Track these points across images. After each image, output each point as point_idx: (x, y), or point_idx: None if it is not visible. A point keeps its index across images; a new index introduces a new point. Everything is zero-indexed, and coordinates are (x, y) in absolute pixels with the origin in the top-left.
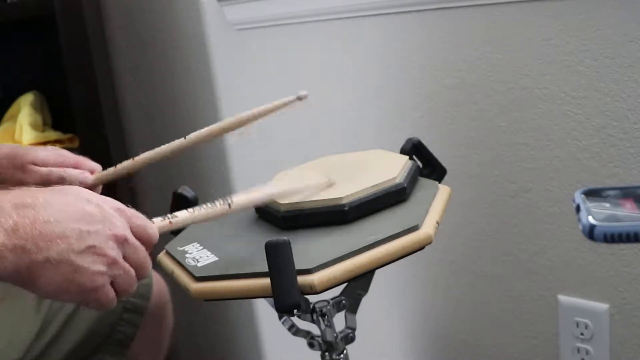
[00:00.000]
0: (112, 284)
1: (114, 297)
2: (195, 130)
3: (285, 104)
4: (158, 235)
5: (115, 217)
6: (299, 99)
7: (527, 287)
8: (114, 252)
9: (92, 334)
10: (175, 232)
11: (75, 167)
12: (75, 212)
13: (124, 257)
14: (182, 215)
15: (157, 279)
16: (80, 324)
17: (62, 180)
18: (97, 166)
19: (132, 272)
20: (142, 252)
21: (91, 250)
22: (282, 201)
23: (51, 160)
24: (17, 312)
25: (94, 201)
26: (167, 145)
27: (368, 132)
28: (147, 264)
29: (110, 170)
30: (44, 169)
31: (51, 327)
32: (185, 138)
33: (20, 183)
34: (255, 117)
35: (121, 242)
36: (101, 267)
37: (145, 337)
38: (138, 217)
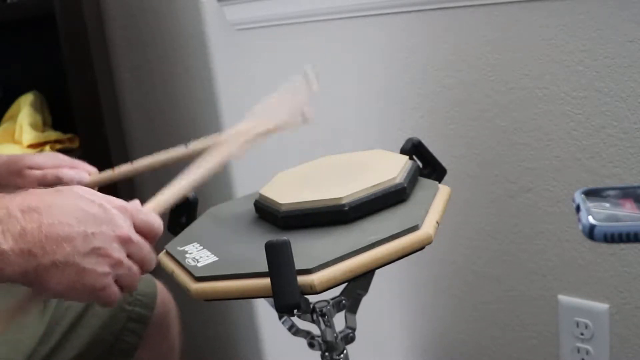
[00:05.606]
0: (116, 282)
1: (119, 294)
2: (194, 130)
3: (291, 124)
4: (162, 228)
5: (119, 216)
6: (304, 120)
7: (527, 287)
8: (118, 252)
9: (96, 342)
10: (176, 232)
11: (72, 168)
12: (80, 214)
13: (128, 256)
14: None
15: (161, 289)
16: (84, 332)
17: (59, 181)
18: (93, 169)
19: (136, 268)
20: (146, 248)
21: (96, 252)
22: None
23: (48, 164)
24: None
25: (97, 201)
26: (167, 152)
27: (368, 132)
28: (151, 259)
29: (108, 172)
30: (39, 172)
31: (55, 334)
32: (186, 147)
33: (18, 188)
34: (260, 135)
35: (125, 242)
36: (106, 269)
37: (150, 347)
38: (141, 212)
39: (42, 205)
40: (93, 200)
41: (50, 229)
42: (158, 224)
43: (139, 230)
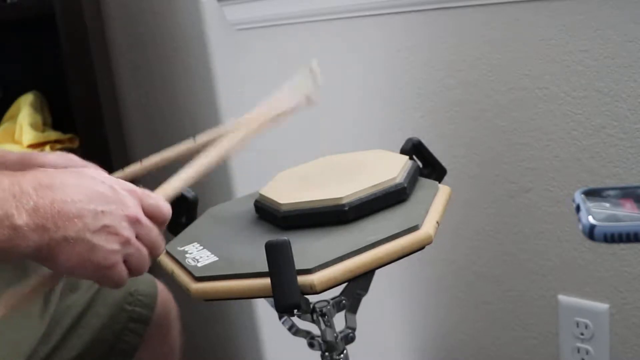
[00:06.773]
0: (125, 263)
1: (127, 276)
2: (194, 130)
3: (296, 107)
4: (170, 213)
5: (128, 197)
6: (309, 102)
7: (527, 287)
8: (127, 231)
9: (96, 342)
10: (176, 232)
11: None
12: (91, 193)
13: (137, 237)
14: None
15: (161, 289)
16: (85, 332)
17: None
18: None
19: (145, 251)
20: (155, 232)
21: (106, 229)
22: (276, 199)
23: (60, 164)
24: (21, 317)
25: (107, 182)
26: (175, 147)
27: (368, 132)
28: (160, 243)
29: (118, 173)
30: None
31: (55, 334)
32: (194, 140)
33: None
34: (265, 122)
35: (134, 222)
36: (115, 246)
37: (151, 347)
38: (149, 197)
39: (54, 183)
40: (103, 181)
41: (62, 205)
42: (166, 208)
43: (148, 214)
